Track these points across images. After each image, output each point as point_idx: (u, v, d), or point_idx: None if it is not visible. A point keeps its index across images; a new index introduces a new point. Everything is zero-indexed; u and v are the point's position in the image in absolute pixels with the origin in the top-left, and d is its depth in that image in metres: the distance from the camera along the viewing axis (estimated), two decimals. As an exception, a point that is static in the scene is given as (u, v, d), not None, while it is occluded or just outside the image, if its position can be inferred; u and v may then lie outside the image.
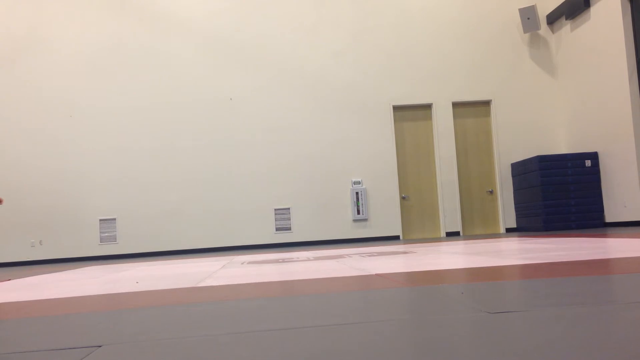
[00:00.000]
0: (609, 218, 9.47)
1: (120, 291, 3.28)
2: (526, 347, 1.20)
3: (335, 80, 10.70)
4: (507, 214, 10.66)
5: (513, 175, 10.64)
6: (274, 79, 10.68)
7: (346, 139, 10.63)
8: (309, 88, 10.68)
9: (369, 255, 5.33)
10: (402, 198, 10.65)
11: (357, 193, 10.48)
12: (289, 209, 10.50)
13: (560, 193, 9.56)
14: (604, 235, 6.35)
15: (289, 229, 10.48)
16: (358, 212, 10.46)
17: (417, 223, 10.68)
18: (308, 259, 5.36)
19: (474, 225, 10.74)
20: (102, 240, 10.32)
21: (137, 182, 10.41)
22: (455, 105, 10.82)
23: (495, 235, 9.39)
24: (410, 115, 10.83)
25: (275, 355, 1.28)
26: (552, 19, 10.68)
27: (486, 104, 10.88)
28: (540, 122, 10.80)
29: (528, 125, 10.78)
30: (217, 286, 3.19)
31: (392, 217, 10.52)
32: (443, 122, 10.71)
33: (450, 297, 2.08)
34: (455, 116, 10.81)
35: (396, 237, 10.51)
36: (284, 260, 5.43)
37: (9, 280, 5.27)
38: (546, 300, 1.86)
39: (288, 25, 10.77)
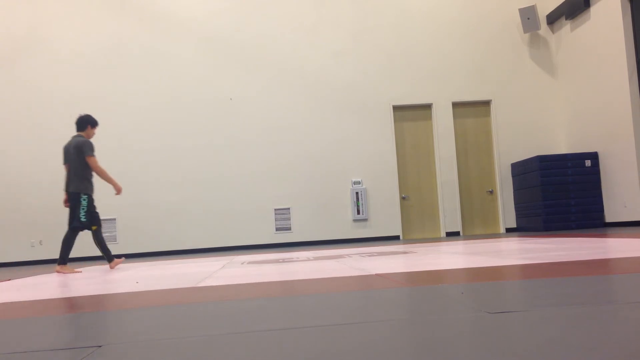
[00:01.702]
0: (609, 218, 9.47)
1: (120, 291, 3.28)
2: (526, 347, 1.20)
3: (335, 80, 10.70)
4: (507, 214, 10.66)
5: (513, 175, 10.63)
6: (274, 79, 10.67)
7: (346, 139, 10.62)
8: (309, 88, 10.68)
9: (369, 255, 5.33)
10: (402, 198, 10.64)
11: (357, 193, 10.47)
12: (289, 209, 10.50)
13: (560, 193, 9.55)
14: (604, 235, 6.35)
15: (289, 229, 10.47)
16: (358, 212, 10.46)
17: (417, 223, 10.68)
18: (308, 259, 5.36)
19: (474, 225, 10.73)
20: (102, 240, 10.30)
21: (137, 182, 10.40)
22: (455, 105, 10.81)
23: (495, 235, 9.39)
24: (410, 115, 10.82)
25: (275, 355, 1.28)
26: (552, 19, 10.68)
27: (486, 104, 10.88)
28: (540, 122, 10.79)
29: (528, 125, 10.77)
30: (217, 286, 3.19)
31: (392, 217, 10.51)
32: (443, 122, 10.70)
33: (450, 297, 2.08)
34: (455, 116, 10.81)
35: (396, 237, 10.51)
36: (284, 260, 5.43)
37: (9, 280, 5.27)
38: (546, 300, 1.86)
39: (288, 25, 10.76)
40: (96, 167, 5.98)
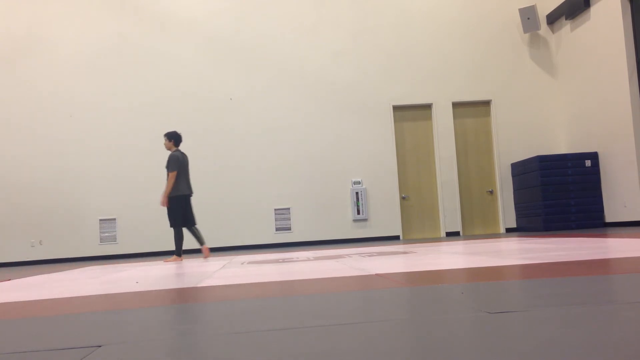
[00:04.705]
0: (609, 218, 9.47)
1: (120, 291, 3.28)
2: (526, 347, 1.20)
3: (335, 80, 10.70)
4: (507, 214, 10.66)
5: (513, 175, 10.63)
6: (274, 79, 10.67)
7: (346, 139, 10.62)
8: (309, 88, 10.68)
9: (369, 255, 5.33)
10: (402, 198, 10.64)
11: (357, 193, 10.47)
12: (289, 209, 10.50)
13: (560, 193, 9.55)
14: (604, 235, 6.35)
15: (289, 229, 10.47)
16: (358, 212, 10.46)
17: (417, 223, 10.68)
18: (308, 259, 5.36)
19: (474, 225, 10.74)
20: (102, 240, 10.31)
21: (137, 182, 10.40)
22: (455, 105, 10.82)
23: (495, 235, 9.39)
24: (410, 115, 10.83)
25: (275, 355, 1.28)
26: (552, 19, 10.68)
27: (486, 104, 10.88)
28: (540, 122, 10.79)
29: (528, 125, 10.77)
30: (217, 286, 3.19)
31: (392, 217, 10.51)
32: (443, 122, 10.71)
33: (450, 297, 2.08)
34: (455, 116, 10.81)
35: (396, 237, 10.51)
36: (284, 260, 5.43)
37: (9, 280, 5.26)
38: (546, 300, 1.86)
39: (288, 25, 10.76)
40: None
